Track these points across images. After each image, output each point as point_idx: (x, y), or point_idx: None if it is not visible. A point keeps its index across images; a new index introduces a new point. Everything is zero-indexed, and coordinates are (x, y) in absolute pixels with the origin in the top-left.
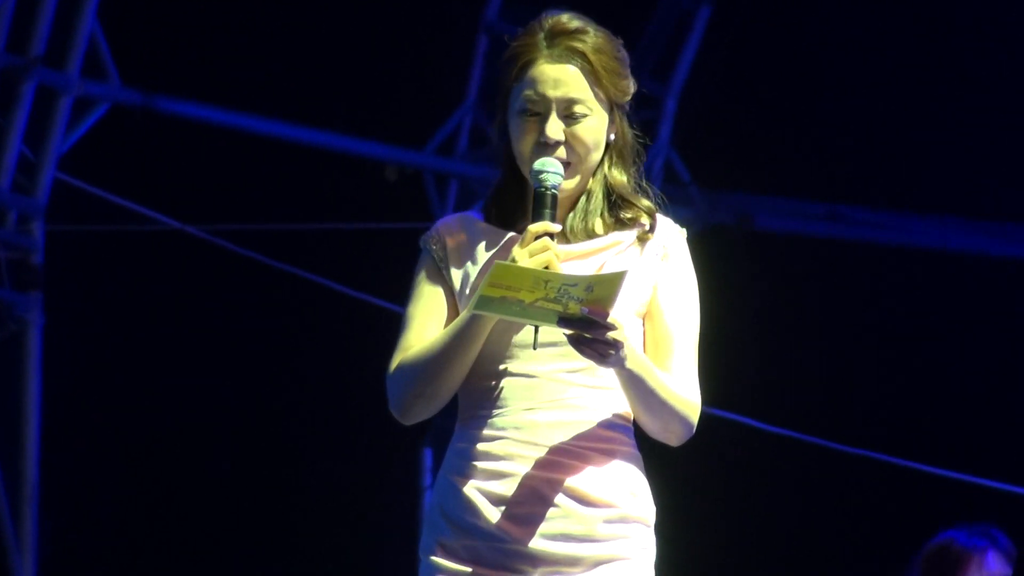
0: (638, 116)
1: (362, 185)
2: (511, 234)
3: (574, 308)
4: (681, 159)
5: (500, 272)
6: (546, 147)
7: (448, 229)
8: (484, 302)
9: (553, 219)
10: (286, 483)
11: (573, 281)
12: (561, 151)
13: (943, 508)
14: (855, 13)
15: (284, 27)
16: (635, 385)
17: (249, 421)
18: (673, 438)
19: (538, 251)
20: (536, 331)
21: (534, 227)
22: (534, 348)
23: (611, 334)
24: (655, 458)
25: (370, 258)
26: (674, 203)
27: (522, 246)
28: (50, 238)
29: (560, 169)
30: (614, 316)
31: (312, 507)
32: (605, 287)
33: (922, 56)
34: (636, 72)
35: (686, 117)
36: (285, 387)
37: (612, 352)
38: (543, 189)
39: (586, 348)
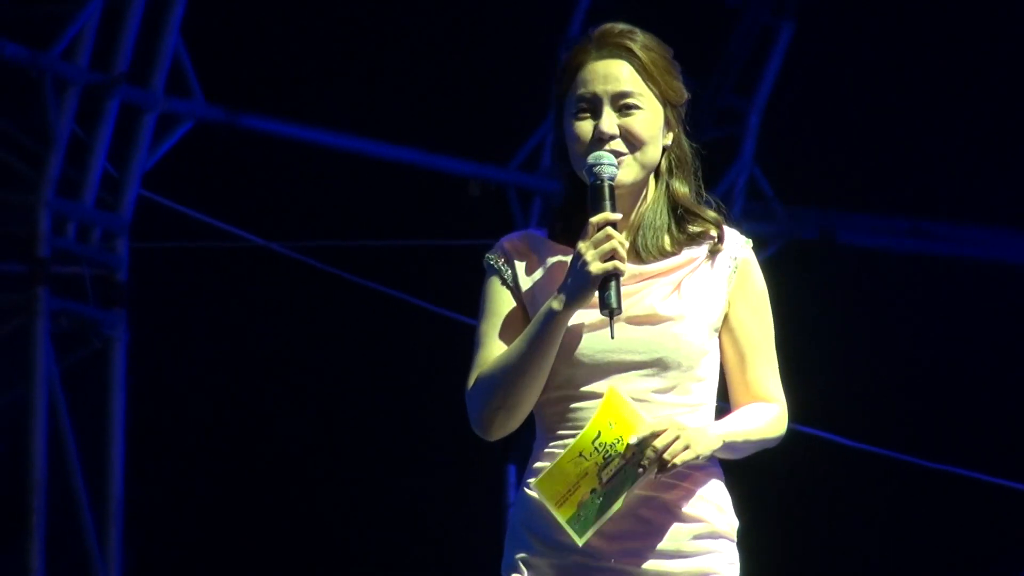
0: (721, 132)
1: (446, 201)
2: (567, 250)
3: (626, 449)
4: (764, 175)
5: (544, 486)
6: (600, 143)
7: (513, 245)
8: (577, 525)
9: (613, 210)
10: (370, 500)
11: (589, 434)
12: (617, 144)
13: None
14: (939, 28)
15: (368, 43)
16: (734, 450)
17: (332, 438)
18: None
19: (601, 241)
20: (611, 324)
21: (595, 218)
22: (611, 337)
23: (668, 434)
24: (734, 471)
25: (454, 274)
26: (757, 219)
27: (585, 239)
28: (134, 255)
29: (614, 160)
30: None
31: (396, 524)
32: (611, 412)
33: (1010, 71)
34: (718, 87)
35: (769, 133)
36: (368, 404)
37: (689, 442)
38: (599, 182)
39: (675, 457)
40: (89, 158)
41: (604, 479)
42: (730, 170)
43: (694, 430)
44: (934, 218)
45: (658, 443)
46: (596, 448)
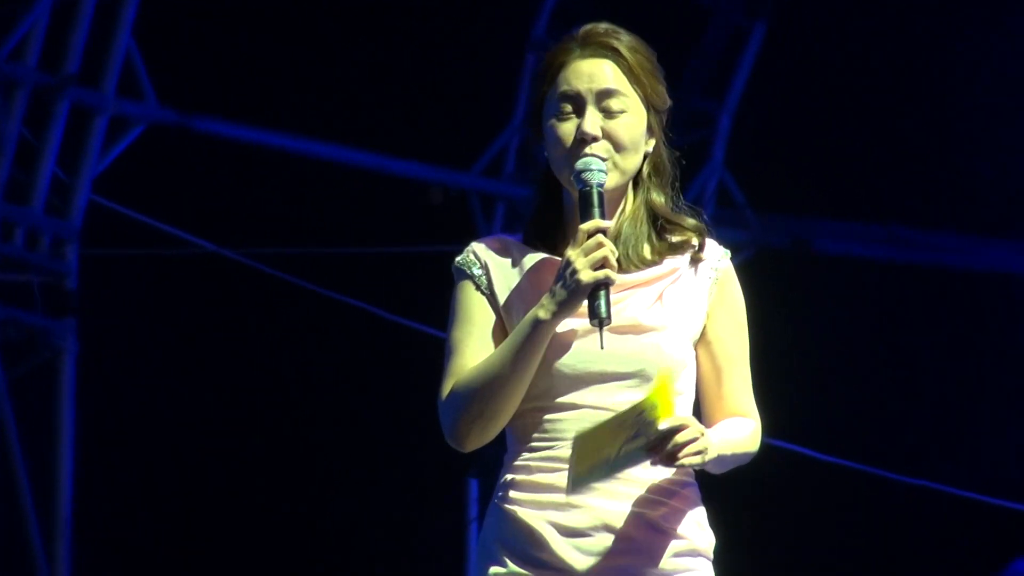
0: (690, 135)
1: (405, 207)
2: (544, 256)
3: (654, 432)
4: (735, 180)
5: (582, 442)
6: (583, 144)
7: (484, 249)
8: (580, 481)
9: (603, 217)
10: (325, 514)
11: (644, 405)
12: (600, 146)
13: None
14: (914, 32)
15: (326, 45)
16: (720, 464)
17: (287, 450)
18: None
19: (592, 249)
20: (601, 333)
21: (585, 225)
22: (602, 347)
23: (691, 432)
24: (708, 487)
25: (414, 283)
26: (728, 226)
27: (575, 247)
28: (84, 262)
29: (603, 167)
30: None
31: (353, 539)
32: (661, 396)
33: (986, 75)
34: (688, 89)
35: (741, 137)
36: (323, 416)
37: (706, 446)
38: (588, 188)
39: (685, 456)
40: (38, 162)
41: (621, 452)
42: (700, 175)
43: (709, 436)
44: (911, 225)
45: (680, 437)
46: (636, 422)
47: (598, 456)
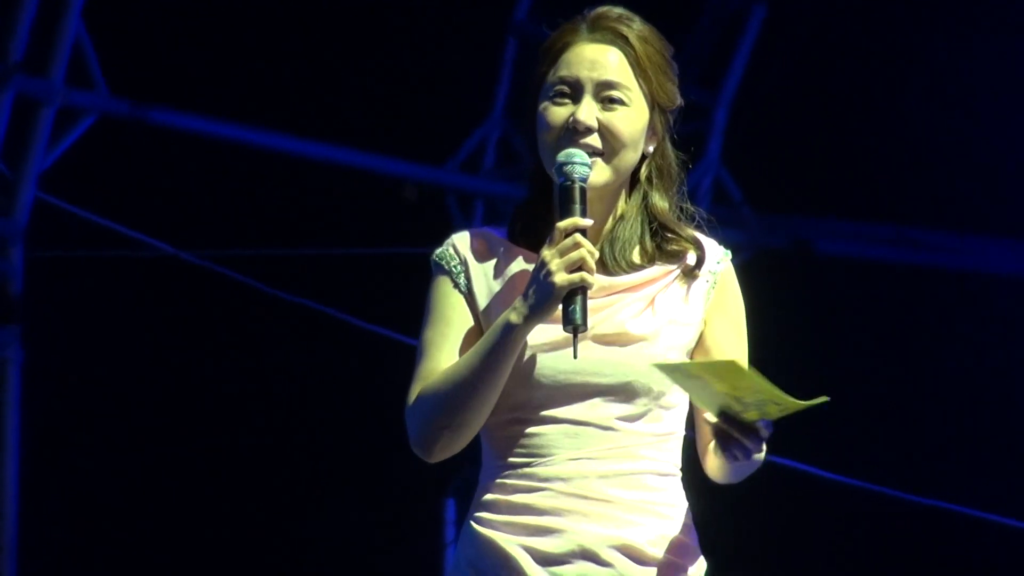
0: (683, 128)
1: (376, 206)
2: (529, 254)
3: (753, 415)
4: (732, 177)
5: (728, 368)
6: (575, 134)
7: (465, 244)
8: (682, 372)
9: (584, 215)
10: (290, 532)
11: (780, 399)
12: (593, 138)
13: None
14: (930, 16)
15: (290, 30)
16: (739, 472)
17: (248, 465)
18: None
19: (568, 249)
20: (575, 342)
21: (562, 223)
22: (575, 357)
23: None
24: (699, 507)
25: (386, 287)
26: (724, 225)
27: (551, 246)
28: (30, 265)
29: (587, 160)
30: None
31: (323, 562)
32: (791, 407)
33: (1001, 68)
34: (682, 79)
35: (738, 130)
36: (288, 427)
37: (750, 456)
38: (569, 182)
39: (731, 448)
40: None
41: (726, 394)
42: (694, 171)
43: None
44: (922, 225)
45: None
46: (752, 395)
47: (716, 382)
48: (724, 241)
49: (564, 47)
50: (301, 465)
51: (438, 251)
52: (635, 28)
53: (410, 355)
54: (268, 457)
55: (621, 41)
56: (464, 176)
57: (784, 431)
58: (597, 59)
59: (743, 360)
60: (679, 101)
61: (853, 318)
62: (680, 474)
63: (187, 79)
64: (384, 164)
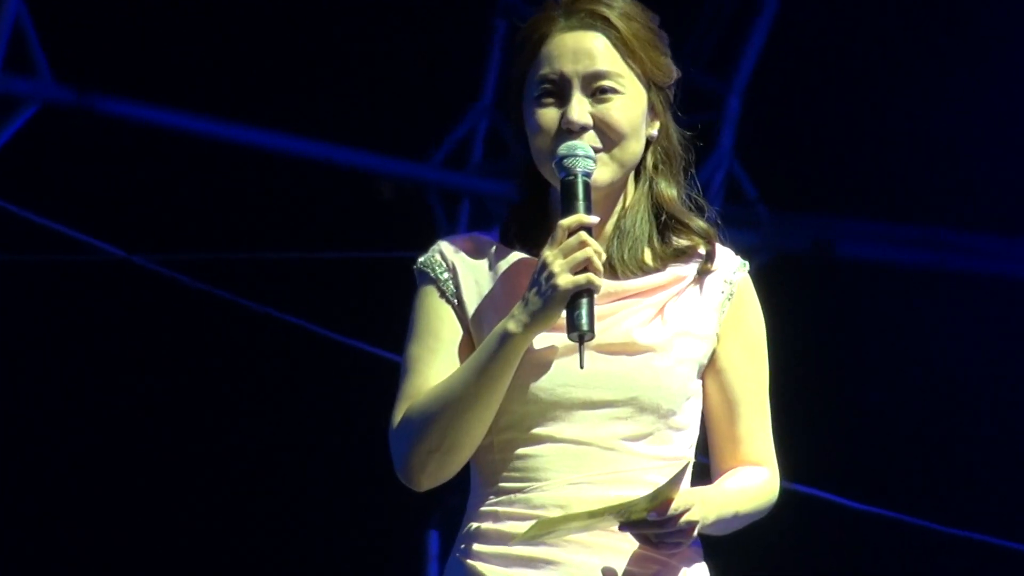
0: (692, 118)
1: (350, 206)
2: (524, 258)
3: (639, 515)
4: (746, 172)
5: (541, 528)
6: (569, 136)
7: (453, 249)
8: (534, 532)
9: (588, 211)
10: (259, 561)
11: (628, 505)
12: (590, 137)
13: None
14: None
15: (253, 11)
16: (722, 526)
17: (208, 480)
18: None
19: (573, 249)
20: (581, 351)
21: (565, 221)
22: (581, 367)
23: (686, 518)
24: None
25: (361, 295)
26: (738, 225)
27: (553, 245)
28: None
29: (591, 152)
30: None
31: None
32: (668, 490)
33: None
34: (691, 64)
35: (753, 120)
36: (251, 449)
37: (692, 535)
38: (572, 177)
39: (660, 544)
40: None
41: (589, 517)
42: (704, 166)
43: (703, 500)
44: (952, 226)
45: (666, 527)
46: (620, 516)
47: (560, 532)
48: (737, 244)
49: (541, 39)
50: (262, 492)
51: (423, 258)
52: (616, 6)
53: (389, 370)
54: (226, 479)
55: (602, 23)
56: (448, 172)
57: (808, 455)
58: (580, 49)
59: (757, 390)
60: (676, 74)
61: (878, 328)
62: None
63: (140, 65)
64: (359, 159)
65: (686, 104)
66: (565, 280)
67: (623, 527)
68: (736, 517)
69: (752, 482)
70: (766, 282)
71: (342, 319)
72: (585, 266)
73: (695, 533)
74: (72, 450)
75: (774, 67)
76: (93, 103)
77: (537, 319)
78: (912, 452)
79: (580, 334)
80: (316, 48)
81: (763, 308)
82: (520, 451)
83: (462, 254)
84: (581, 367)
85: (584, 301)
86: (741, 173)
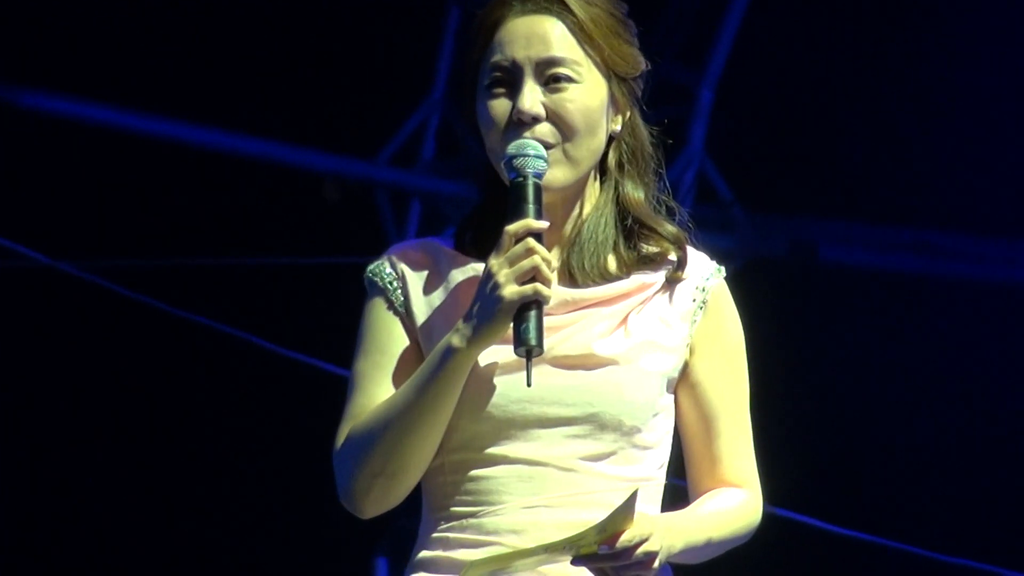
0: (661, 113)
1: (292, 206)
2: (479, 265)
3: (589, 549)
4: (719, 171)
5: (488, 565)
6: (520, 127)
7: (405, 257)
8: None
9: (539, 215)
10: None
11: (577, 538)
12: (543, 130)
13: None
14: None
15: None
16: (693, 554)
17: (140, 505)
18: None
19: (519, 257)
20: (528, 367)
21: (512, 227)
22: (528, 384)
23: (643, 549)
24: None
25: (303, 303)
26: (711, 228)
27: (499, 254)
28: None
29: (542, 151)
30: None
31: None
32: (619, 520)
33: None
34: (659, 54)
35: (726, 115)
36: (186, 466)
37: (653, 567)
38: (521, 178)
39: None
40: None
41: (538, 552)
42: (674, 164)
43: (668, 527)
44: (943, 228)
45: (620, 541)
46: (569, 550)
47: (508, 561)
48: (711, 248)
49: (495, 25)
50: (206, 508)
51: (371, 266)
52: None
53: (335, 384)
54: (159, 500)
55: (559, 7)
56: (396, 171)
57: (791, 478)
58: (533, 34)
59: (735, 405)
60: (643, 65)
61: (863, 337)
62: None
63: (68, 55)
64: (300, 156)
65: (654, 97)
66: (510, 291)
67: (575, 561)
68: (709, 544)
69: (728, 505)
70: (742, 288)
71: (283, 330)
72: (533, 275)
73: (656, 564)
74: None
75: (749, 56)
76: (16, 96)
77: (482, 333)
78: (900, 472)
79: (527, 348)
80: (255, 40)
81: (741, 317)
82: (472, 473)
83: (412, 261)
84: (528, 384)
85: (532, 313)
86: (714, 172)
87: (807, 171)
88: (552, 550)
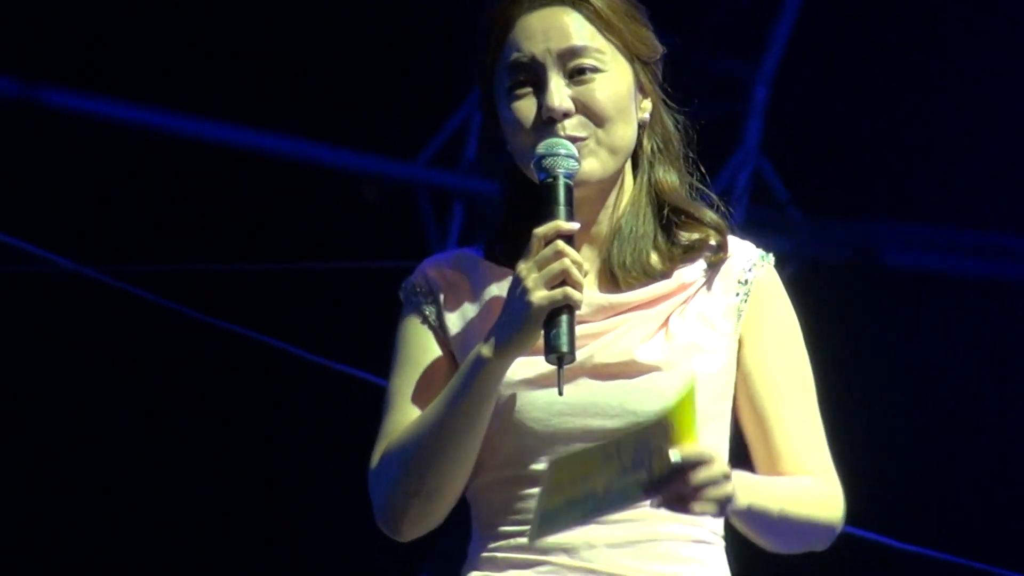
0: (713, 109)
1: (329, 209)
2: (509, 274)
3: (660, 465)
4: (776, 170)
5: (559, 470)
6: (552, 125)
7: (439, 271)
8: (548, 520)
9: (570, 217)
10: None
11: (648, 431)
12: (574, 124)
13: None
14: None
15: None
16: (762, 523)
17: (172, 517)
18: (818, 546)
19: (548, 260)
20: (560, 375)
21: (540, 229)
22: (560, 393)
23: (713, 472)
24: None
25: (342, 310)
26: (766, 231)
27: (527, 258)
28: None
29: (572, 151)
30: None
31: None
32: (683, 411)
33: None
34: (711, 47)
35: (783, 112)
36: (218, 480)
37: (728, 491)
38: (551, 179)
39: (697, 504)
40: None
41: (612, 487)
42: (728, 163)
43: (736, 479)
44: (1012, 231)
45: (696, 478)
46: (635, 450)
47: (578, 488)
48: (764, 247)
49: (506, 24)
50: (237, 522)
51: (406, 282)
52: None
53: (374, 395)
54: (191, 512)
55: None
56: (438, 172)
57: (859, 493)
58: (550, 26)
59: (794, 395)
60: (660, 48)
61: (930, 345)
62: (722, 542)
63: (94, 52)
64: (338, 157)
65: (706, 93)
66: (539, 296)
67: (650, 492)
68: (783, 518)
69: (806, 486)
70: (799, 294)
71: (321, 337)
72: (563, 279)
73: (714, 509)
74: (10, 472)
75: (806, 50)
76: (40, 95)
77: (512, 342)
78: (975, 488)
79: (558, 356)
80: (291, 38)
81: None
82: (519, 492)
83: (446, 276)
84: (560, 394)
85: (563, 319)
86: (770, 171)
87: (868, 171)
88: (616, 449)
